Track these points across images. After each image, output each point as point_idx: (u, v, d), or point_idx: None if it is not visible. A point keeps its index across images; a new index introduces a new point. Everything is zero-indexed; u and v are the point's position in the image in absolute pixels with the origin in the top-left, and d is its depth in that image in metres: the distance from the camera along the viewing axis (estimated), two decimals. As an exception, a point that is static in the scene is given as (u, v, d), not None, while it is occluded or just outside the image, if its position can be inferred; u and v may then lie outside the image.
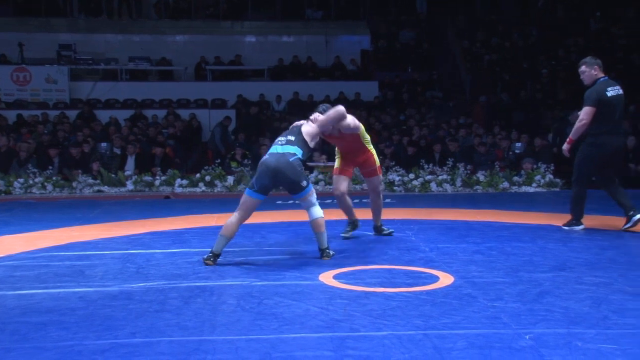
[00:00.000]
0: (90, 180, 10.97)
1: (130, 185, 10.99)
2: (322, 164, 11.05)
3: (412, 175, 10.94)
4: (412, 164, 11.24)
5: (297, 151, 5.02)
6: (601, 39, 18.66)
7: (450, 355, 2.90)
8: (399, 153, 12.39)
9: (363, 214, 6.49)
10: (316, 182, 10.80)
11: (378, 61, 18.41)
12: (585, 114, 6.12)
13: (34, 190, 10.70)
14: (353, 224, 6.10)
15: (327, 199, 7.77)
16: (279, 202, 9.24)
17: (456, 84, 17.94)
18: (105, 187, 10.96)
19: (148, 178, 11.06)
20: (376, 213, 6.16)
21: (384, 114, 15.08)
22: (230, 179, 11.07)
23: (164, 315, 3.60)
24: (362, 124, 5.84)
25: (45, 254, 5.47)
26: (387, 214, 7.42)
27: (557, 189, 10.86)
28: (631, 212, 6.16)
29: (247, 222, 7.18)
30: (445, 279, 4.36)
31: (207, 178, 11.03)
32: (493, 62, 17.85)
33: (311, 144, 5.20)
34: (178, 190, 10.91)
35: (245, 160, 11.54)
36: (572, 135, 6.27)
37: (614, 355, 2.86)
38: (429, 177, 10.88)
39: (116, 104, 16.07)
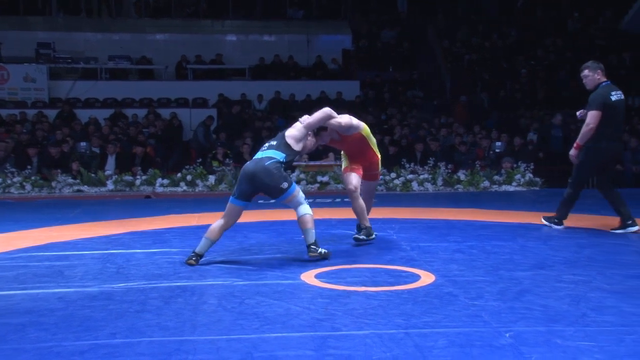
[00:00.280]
0: (70, 180, 10.87)
1: (110, 185, 10.90)
2: (304, 163, 11.07)
3: (393, 175, 10.98)
4: (393, 163, 11.28)
5: (277, 155, 4.99)
6: (579, 40, 18.86)
7: (432, 353, 2.91)
8: (381, 152, 12.41)
9: (340, 214, 6.49)
10: (297, 182, 10.80)
11: (359, 60, 18.45)
12: (592, 118, 6.04)
13: (12, 190, 10.58)
14: (366, 230, 5.71)
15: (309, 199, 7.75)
16: (261, 201, 9.21)
17: (437, 83, 18.03)
18: (85, 186, 10.86)
19: (128, 178, 10.98)
20: (361, 213, 5.96)
21: (366, 114, 15.08)
22: (212, 179, 11.03)
23: (145, 315, 3.57)
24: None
25: (24, 254, 5.41)
26: (369, 213, 7.44)
27: (537, 188, 10.96)
28: (629, 222, 6.13)
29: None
30: (427, 278, 4.37)
31: (189, 177, 10.98)
32: (473, 62, 17.96)
33: (297, 147, 5.12)
34: (159, 189, 10.84)
35: (227, 160, 11.50)
36: (580, 140, 6.17)
37: (592, 352, 2.89)
38: (411, 176, 10.92)
39: (96, 103, 15.93)
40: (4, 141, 12.19)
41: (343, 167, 5.87)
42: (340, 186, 10.68)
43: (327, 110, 5.35)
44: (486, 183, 10.91)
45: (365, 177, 5.85)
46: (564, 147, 12.75)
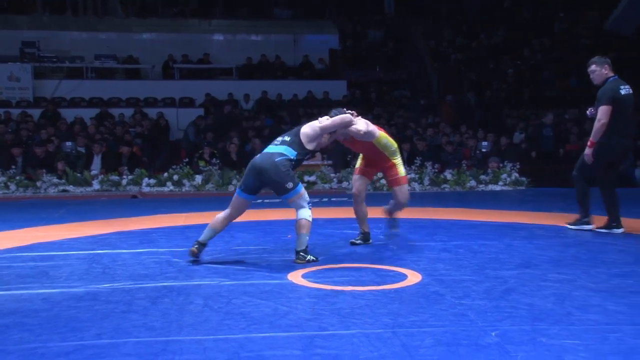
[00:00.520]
0: (55, 180, 10.79)
1: (96, 185, 10.84)
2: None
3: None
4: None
5: (288, 151, 4.93)
6: (565, 39, 19.00)
7: (418, 352, 2.92)
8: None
9: (327, 213, 6.49)
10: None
11: (346, 60, 18.47)
12: (602, 113, 5.92)
13: (-3, 190, 10.49)
14: (364, 236, 5.74)
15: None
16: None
17: (423, 83, 18.09)
18: (71, 186, 10.79)
19: (115, 177, 10.92)
20: (391, 210, 6.03)
21: (353, 113, 15.11)
22: (199, 178, 10.99)
23: (131, 315, 3.56)
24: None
25: (8, 254, 5.37)
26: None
27: (523, 187, 11.02)
28: (614, 224, 6.15)
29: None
30: (413, 277, 4.39)
31: (175, 177, 10.94)
32: (459, 62, 18.04)
33: (309, 146, 5.05)
34: (145, 189, 10.80)
35: (214, 160, 11.47)
36: (593, 137, 6.01)
37: (576, 350, 2.91)
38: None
39: (82, 102, 15.82)
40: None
41: (356, 166, 5.84)
42: (327, 186, 10.69)
43: (347, 117, 5.22)
44: (472, 182, 10.96)
45: (388, 182, 5.87)
46: (555, 147, 12.83)
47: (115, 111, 15.13)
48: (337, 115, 5.25)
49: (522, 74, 17.31)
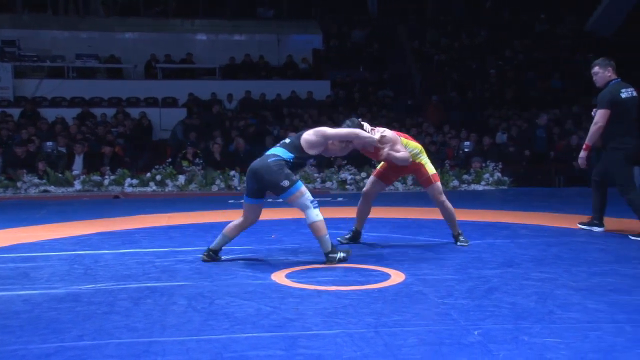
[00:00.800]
0: (36, 180, 10.70)
1: (78, 185, 10.75)
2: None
3: (364, 174, 11.02)
4: (363, 163, 11.32)
5: (283, 153, 4.87)
6: (546, 41, 19.17)
7: (401, 352, 2.93)
8: (351, 152, 12.45)
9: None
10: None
11: (330, 60, 18.49)
12: (599, 116, 5.89)
13: (-23, 190, 10.38)
14: (354, 234, 5.77)
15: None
16: (231, 201, 9.19)
17: (407, 83, 18.15)
18: (52, 187, 10.70)
19: (97, 177, 10.85)
20: (448, 221, 5.70)
21: (336, 113, 15.15)
22: (182, 179, 10.95)
23: (113, 317, 3.53)
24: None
25: (-12, 256, 5.30)
26: (340, 213, 7.47)
27: (505, 187, 11.10)
28: (597, 222, 6.21)
29: (198, 221, 7.22)
30: (397, 277, 4.40)
31: (158, 177, 10.88)
32: (443, 62, 18.12)
33: (310, 151, 4.94)
34: (128, 189, 10.73)
35: (197, 160, 11.43)
36: (588, 140, 6.04)
37: (558, 348, 2.94)
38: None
39: (63, 102, 15.69)
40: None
41: (377, 168, 5.80)
42: (311, 186, 10.68)
43: (356, 131, 5.07)
44: (455, 182, 11.02)
45: (420, 183, 5.73)
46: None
47: (97, 111, 15.03)
48: (351, 125, 5.17)
49: (504, 75, 17.44)
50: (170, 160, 11.43)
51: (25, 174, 10.70)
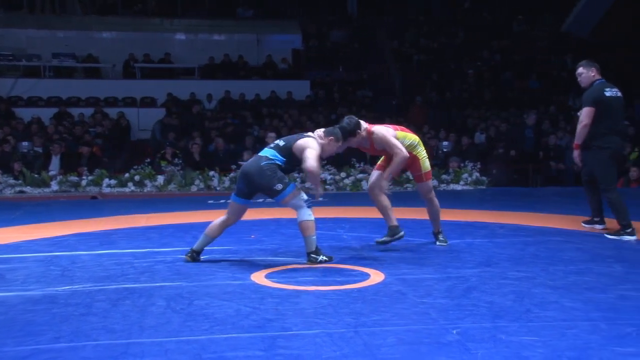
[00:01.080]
0: (12, 181, 10.56)
1: (55, 186, 10.64)
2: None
3: (343, 174, 11.04)
4: (343, 163, 11.34)
5: (276, 157, 4.83)
6: (523, 41, 19.35)
7: (380, 351, 2.94)
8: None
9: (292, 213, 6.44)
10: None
11: (309, 60, 18.49)
12: (585, 115, 5.94)
13: (-49, 191, 10.23)
14: (391, 231, 5.42)
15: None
16: (211, 201, 9.15)
17: (386, 83, 18.22)
18: (28, 187, 10.57)
19: (74, 178, 10.74)
20: (432, 218, 5.73)
21: (316, 113, 15.17)
22: (161, 179, 10.88)
23: (90, 318, 3.50)
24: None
25: (-37, 258, 5.23)
26: (319, 213, 7.46)
27: (484, 187, 11.18)
28: (597, 219, 6.28)
29: (177, 222, 7.18)
30: (376, 277, 4.41)
31: (137, 178, 10.80)
32: (422, 63, 18.21)
33: (300, 156, 4.87)
34: (106, 190, 10.64)
35: (176, 160, 11.36)
36: (577, 139, 6.09)
37: (535, 347, 2.97)
38: (360, 175, 11.00)
39: (39, 101, 15.52)
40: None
41: (378, 162, 5.71)
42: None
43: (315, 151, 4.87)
44: (434, 182, 11.06)
45: (414, 179, 5.70)
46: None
47: (74, 111, 14.89)
48: (350, 123, 5.13)
49: (482, 75, 17.56)
50: (149, 160, 11.35)
51: (1, 175, 10.56)
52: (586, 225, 6.38)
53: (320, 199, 5.15)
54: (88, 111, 14.87)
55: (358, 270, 4.63)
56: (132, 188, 10.73)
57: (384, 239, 5.41)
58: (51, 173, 10.98)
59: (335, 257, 5.05)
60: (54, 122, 13.74)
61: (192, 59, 17.47)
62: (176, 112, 14.82)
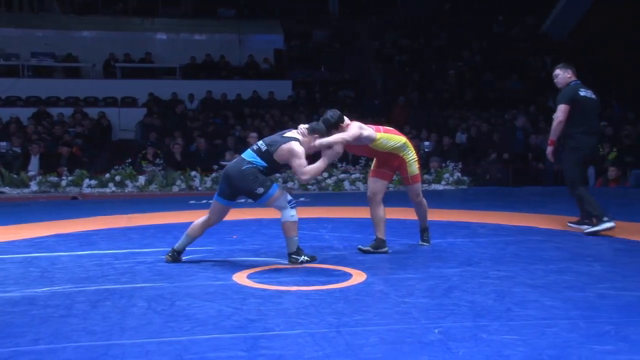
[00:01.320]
0: (-10, 181, 10.45)
1: (34, 186, 10.54)
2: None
3: (325, 174, 11.04)
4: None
5: (257, 161, 4.78)
6: (504, 42, 19.49)
7: (363, 351, 2.94)
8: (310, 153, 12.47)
9: (273, 213, 6.44)
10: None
11: (291, 60, 18.49)
12: (560, 111, 6.12)
13: None
14: (377, 242, 5.32)
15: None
16: (192, 202, 9.11)
17: (368, 83, 18.26)
18: (7, 188, 10.45)
19: (54, 178, 10.64)
20: (419, 216, 5.67)
21: (298, 113, 15.16)
22: (142, 179, 10.81)
23: (70, 320, 3.46)
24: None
25: (-60, 259, 5.15)
26: (302, 213, 7.45)
27: (465, 187, 11.24)
28: (587, 220, 6.27)
29: (158, 222, 7.14)
30: (358, 277, 4.42)
31: (118, 178, 10.73)
32: (403, 63, 18.27)
33: (283, 163, 4.85)
34: (87, 190, 10.55)
35: (158, 160, 11.30)
36: (552, 135, 6.27)
37: (515, 345, 2.99)
38: (343, 175, 11.01)
39: (18, 101, 15.35)
40: None
41: (371, 168, 5.57)
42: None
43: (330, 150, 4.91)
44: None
45: (403, 181, 5.56)
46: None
47: (53, 110, 14.75)
48: (334, 116, 5.05)
49: (463, 75, 17.66)
50: (130, 160, 11.28)
51: (-21, 175, 10.45)
52: (573, 225, 6.43)
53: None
54: (68, 111, 14.75)
55: (340, 270, 4.63)
56: (113, 188, 10.66)
57: (367, 248, 5.33)
58: (30, 173, 10.87)
59: (318, 257, 5.05)
60: (33, 122, 13.60)
61: (173, 58, 17.39)
62: (157, 112, 14.75)
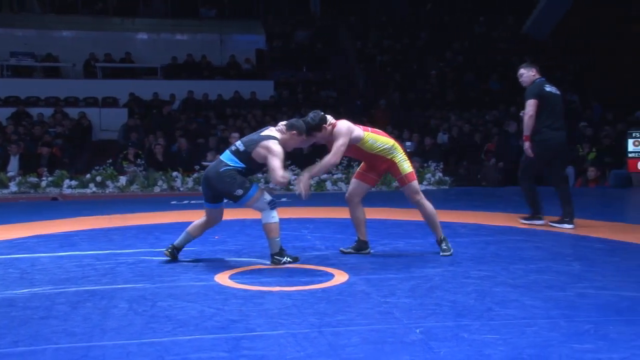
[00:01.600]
0: (-32, 182, 10.32)
1: (13, 187, 10.43)
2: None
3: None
4: (307, 163, 11.29)
5: (235, 162, 4.74)
6: (485, 42, 19.62)
7: (345, 351, 2.95)
8: (295, 152, 12.46)
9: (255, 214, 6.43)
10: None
11: (273, 61, 18.47)
12: (529, 106, 6.35)
13: None
14: (359, 244, 5.27)
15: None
16: (174, 202, 9.07)
17: (350, 84, 18.29)
18: (-14, 189, 10.34)
19: (33, 179, 10.53)
20: (429, 224, 5.32)
21: (280, 113, 15.14)
22: (123, 179, 10.74)
23: (50, 321, 3.43)
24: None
25: None
26: (284, 213, 7.45)
27: (447, 187, 11.30)
28: (567, 219, 6.42)
29: (139, 223, 7.10)
30: (340, 277, 4.42)
31: (98, 179, 10.65)
32: (385, 63, 18.32)
33: (262, 162, 4.79)
34: (67, 191, 10.46)
35: (139, 160, 11.23)
36: (525, 131, 6.47)
37: (496, 344, 3.01)
38: (325, 175, 11.02)
39: (-4, 101, 15.20)
40: None
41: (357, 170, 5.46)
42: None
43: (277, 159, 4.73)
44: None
45: (398, 183, 5.37)
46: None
47: (33, 111, 14.61)
48: (315, 118, 4.96)
49: (444, 76, 17.75)
50: (111, 161, 11.20)
51: (-43, 176, 10.32)
52: (554, 225, 6.50)
53: (304, 199, 4.97)
54: (48, 111, 14.62)
55: (322, 271, 4.64)
56: (94, 189, 10.58)
57: (349, 250, 5.30)
58: (10, 174, 10.75)
59: (300, 257, 5.05)
60: (12, 122, 13.46)
61: (154, 58, 17.30)
62: (138, 113, 14.66)
